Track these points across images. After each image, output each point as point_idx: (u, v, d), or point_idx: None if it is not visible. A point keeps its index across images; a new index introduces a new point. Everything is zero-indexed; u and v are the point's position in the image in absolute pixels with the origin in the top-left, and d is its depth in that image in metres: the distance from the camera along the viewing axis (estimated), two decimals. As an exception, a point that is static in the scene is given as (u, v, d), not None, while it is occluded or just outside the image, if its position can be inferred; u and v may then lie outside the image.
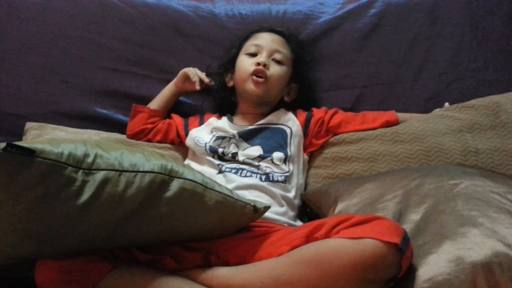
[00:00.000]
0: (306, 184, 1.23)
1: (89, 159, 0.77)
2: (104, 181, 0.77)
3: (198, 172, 0.89)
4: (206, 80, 1.29)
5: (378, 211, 0.94)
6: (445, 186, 0.92)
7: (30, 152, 0.72)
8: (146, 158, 0.83)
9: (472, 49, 1.38)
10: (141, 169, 0.80)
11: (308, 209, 1.20)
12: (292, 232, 0.90)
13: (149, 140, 1.30)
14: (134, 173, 0.79)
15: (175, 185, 0.82)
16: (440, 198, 0.89)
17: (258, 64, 1.23)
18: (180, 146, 1.29)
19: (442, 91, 1.36)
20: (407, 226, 0.86)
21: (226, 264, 0.90)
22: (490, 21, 1.40)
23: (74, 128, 1.30)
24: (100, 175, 0.77)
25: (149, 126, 1.30)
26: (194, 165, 1.19)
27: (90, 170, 0.77)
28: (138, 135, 1.30)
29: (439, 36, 1.40)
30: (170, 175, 0.82)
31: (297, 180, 1.19)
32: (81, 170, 0.76)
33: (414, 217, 0.88)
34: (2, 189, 0.72)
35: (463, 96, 1.32)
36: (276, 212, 1.08)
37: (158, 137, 1.30)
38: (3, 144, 0.70)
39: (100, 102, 1.35)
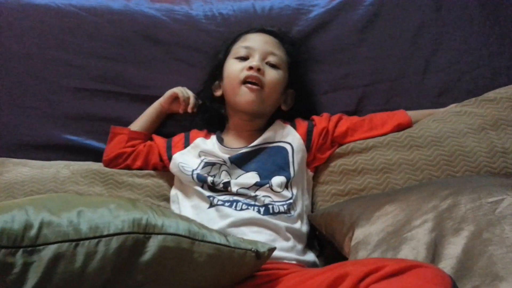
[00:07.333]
0: (312, 203, 1.14)
1: (32, 232, 0.64)
2: (55, 259, 0.64)
3: (184, 217, 0.75)
4: (191, 106, 1.21)
5: (407, 242, 0.81)
6: (484, 205, 0.80)
7: None
8: (113, 214, 0.69)
9: (483, 33, 1.28)
10: (105, 233, 0.67)
11: (317, 232, 1.08)
12: (308, 280, 0.78)
13: (128, 166, 1.19)
14: (96, 240, 0.66)
15: (153, 244, 0.69)
16: (481, 223, 0.77)
17: (251, 68, 1.10)
18: (165, 172, 1.19)
19: (454, 84, 1.26)
20: (448, 264, 0.74)
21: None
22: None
23: (40, 160, 1.21)
24: (49, 252, 0.64)
25: (128, 150, 1.19)
26: (182, 197, 1.08)
27: (34, 247, 0.63)
28: (115, 160, 1.19)
29: (446, 22, 1.30)
30: (146, 233, 0.69)
31: (302, 203, 1.08)
32: (20, 250, 0.63)
33: (453, 250, 0.75)
34: None
35: (478, 87, 1.24)
36: (282, 248, 0.96)
37: (138, 162, 1.19)
38: None
39: (68, 127, 1.27)
